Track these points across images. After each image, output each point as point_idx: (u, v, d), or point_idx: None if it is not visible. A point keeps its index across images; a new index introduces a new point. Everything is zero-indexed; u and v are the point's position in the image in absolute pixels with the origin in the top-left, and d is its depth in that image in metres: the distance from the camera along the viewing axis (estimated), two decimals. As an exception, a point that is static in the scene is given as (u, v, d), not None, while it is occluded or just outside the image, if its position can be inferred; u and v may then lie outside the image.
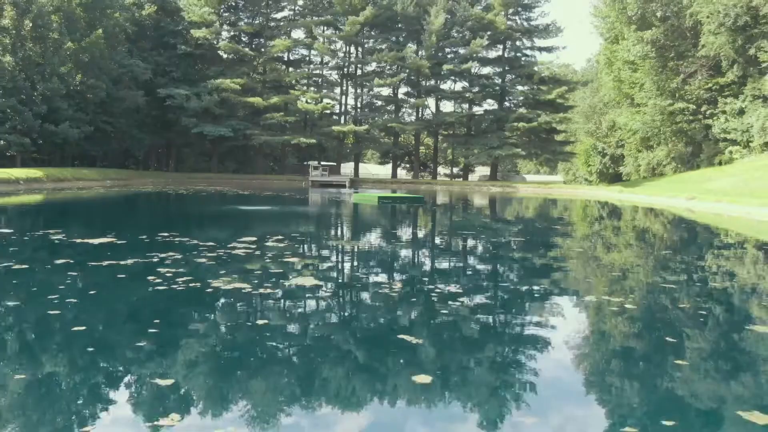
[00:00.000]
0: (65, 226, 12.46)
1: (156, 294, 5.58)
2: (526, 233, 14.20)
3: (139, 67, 49.68)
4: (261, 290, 5.91)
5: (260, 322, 4.84)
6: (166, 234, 10.02)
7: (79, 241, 9.37)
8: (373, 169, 77.70)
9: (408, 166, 71.19)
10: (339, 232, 13.81)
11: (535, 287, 6.86)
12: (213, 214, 17.60)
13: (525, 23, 58.69)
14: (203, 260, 7.47)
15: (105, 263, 7.06)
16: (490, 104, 61.25)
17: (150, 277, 6.20)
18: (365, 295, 6.14)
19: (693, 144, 59.09)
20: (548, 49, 59.96)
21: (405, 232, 13.87)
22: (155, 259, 7.38)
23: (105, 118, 46.69)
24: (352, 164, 65.80)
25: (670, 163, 65.86)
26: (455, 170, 71.70)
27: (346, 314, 5.47)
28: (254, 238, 9.88)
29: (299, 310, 5.40)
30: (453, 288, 6.38)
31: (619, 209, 26.56)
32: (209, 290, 5.79)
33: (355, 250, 10.15)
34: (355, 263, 8.66)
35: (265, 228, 12.71)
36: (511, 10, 57.51)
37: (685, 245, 12.52)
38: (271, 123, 54.76)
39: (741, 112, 45.69)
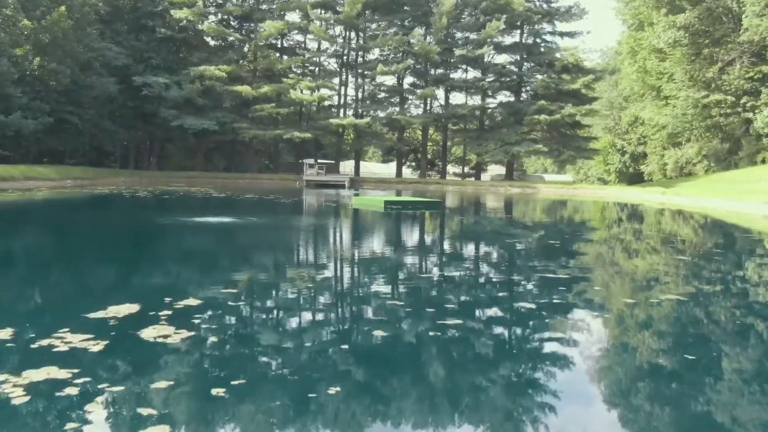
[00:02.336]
0: None
1: None
2: (625, 267, 9.06)
3: (112, 52, 44.66)
4: None
5: None
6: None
7: None
8: (375, 167, 72.55)
9: (414, 164, 65.96)
10: (324, 279, 8.28)
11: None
12: (142, 230, 12.40)
13: (545, 5, 53.55)
14: None
15: None
16: (505, 96, 56.11)
17: None
18: None
19: (730, 140, 54.13)
20: (570, 34, 54.87)
21: (438, 274, 8.63)
22: None
23: (70, 108, 41.61)
24: (352, 162, 60.66)
25: (702, 162, 60.99)
26: (465, 169, 66.53)
27: None
28: (134, 308, 4.76)
29: None
30: None
31: (690, 218, 21.39)
32: None
33: (356, 343, 5.02)
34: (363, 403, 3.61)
35: (195, 269, 7.40)
36: (529, -10, 52.51)
37: None
38: (261, 115, 49.70)
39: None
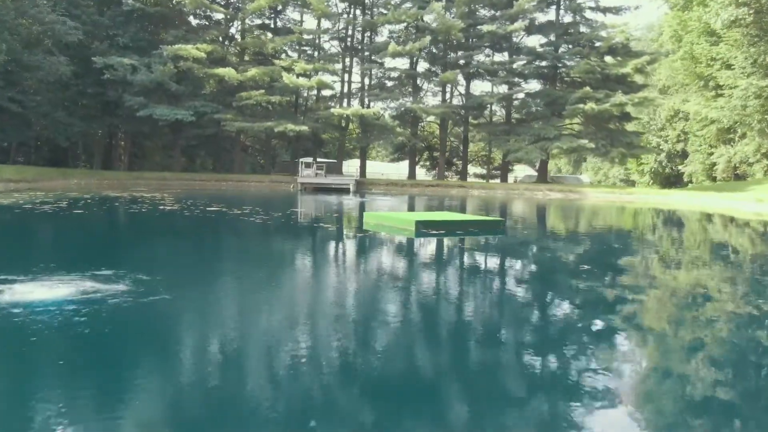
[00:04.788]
0: None
1: None
2: None
3: (65, 26, 36.94)
4: None
5: None
6: None
7: None
8: (383, 167, 64.72)
9: (428, 163, 58.11)
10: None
11: None
12: None
13: (586, -26, 45.77)
14: None
15: None
16: (537, 83, 48.20)
17: None
18: None
19: (799, 136, 46.77)
20: (615, 10, 47.00)
21: None
22: None
23: (9, 93, 34.06)
24: (357, 162, 53.00)
25: (761, 161, 53.58)
26: (486, 169, 58.71)
27: None
28: None
29: None
30: None
31: None
32: None
33: None
34: None
35: None
36: (568, -43, 44.74)
37: None
38: (248, 105, 42.03)
39: None
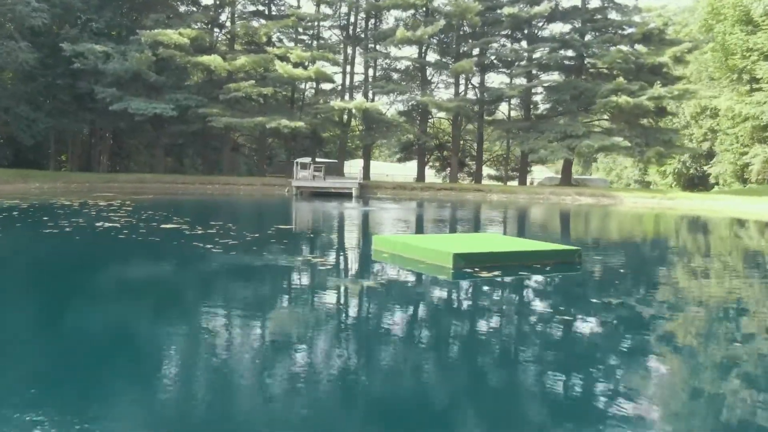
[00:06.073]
0: None
1: None
2: None
3: (28, 7, 32.54)
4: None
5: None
6: None
7: None
8: (388, 168, 60.18)
9: (437, 164, 53.55)
10: None
11: None
12: None
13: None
14: None
15: None
16: (561, 75, 43.52)
17: None
18: None
19: None
20: (648, -6, 42.54)
21: None
22: None
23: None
24: (359, 162, 48.46)
25: (799, 163, 49.51)
26: (500, 170, 54.15)
27: None
28: None
29: None
30: None
31: None
32: None
33: None
34: None
35: None
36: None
37: None
38: (237, 97, 37.55)
39: None
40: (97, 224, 13.33)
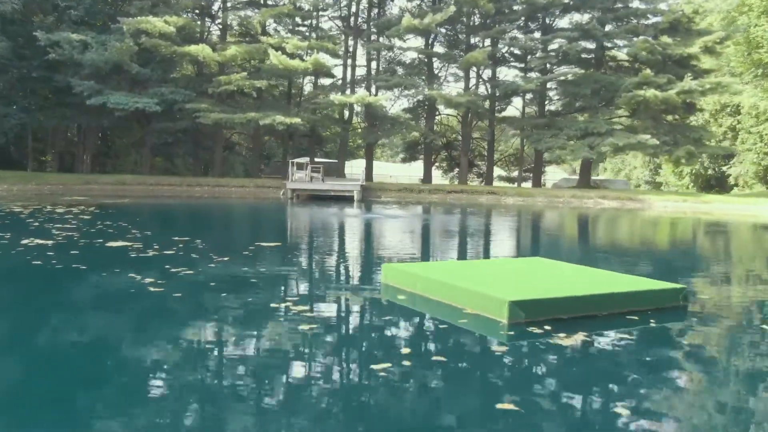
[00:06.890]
0: None
1: None
2: None
3: (-4, -9, 29.61)
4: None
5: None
6: None
7: None
8: (391, 169, 57.03)
9: (444, 164, 50.44)
10: None
11: None
12: None
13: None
14: None
15: None
16: (578, 69, 40.36)
17: None
18: None
19: None
20: (674, -19, 39.37)
21: None
22: None
23: None
24: (361, 162, 45.33)
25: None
26: (513, 171, 51.07)
27: None
28: None
29: None
30: None
31: None
32: None
33: None
34: None
35: None
36: None
37: None
38: (228, 91, 34.52)
39: None
40: (24, 241, 10.34)
